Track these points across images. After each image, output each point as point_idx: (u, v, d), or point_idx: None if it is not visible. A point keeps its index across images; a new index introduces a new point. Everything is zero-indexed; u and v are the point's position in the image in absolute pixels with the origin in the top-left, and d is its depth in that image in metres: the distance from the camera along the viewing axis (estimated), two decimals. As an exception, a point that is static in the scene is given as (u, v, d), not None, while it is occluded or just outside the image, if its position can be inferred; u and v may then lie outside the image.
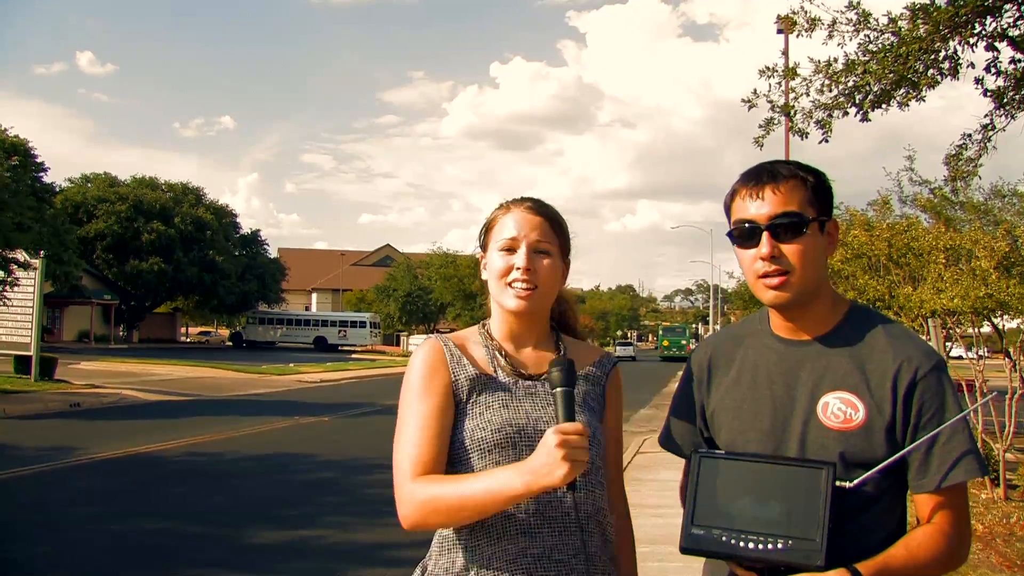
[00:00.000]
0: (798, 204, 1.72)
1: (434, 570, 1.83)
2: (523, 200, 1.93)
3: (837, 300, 1.83)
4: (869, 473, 1.64)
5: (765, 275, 1.73)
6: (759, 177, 1.76)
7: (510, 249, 1.86)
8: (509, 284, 1.85)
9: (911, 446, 1.66)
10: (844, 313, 1.81)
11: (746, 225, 1.75)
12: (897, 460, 1.65)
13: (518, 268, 1.83)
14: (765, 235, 1.71)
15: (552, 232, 1.89)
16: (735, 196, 1.79)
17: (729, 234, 1.81)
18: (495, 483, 1.65)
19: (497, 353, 1.89)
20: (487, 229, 1.94)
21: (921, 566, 1.63)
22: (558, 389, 1.68)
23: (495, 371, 1.87)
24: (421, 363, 1.85)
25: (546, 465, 1.59)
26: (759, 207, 1.73)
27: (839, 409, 1.70)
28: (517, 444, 1.76)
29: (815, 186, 1.75)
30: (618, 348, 67.63)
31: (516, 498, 1.64)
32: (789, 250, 1.71)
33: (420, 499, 1.70)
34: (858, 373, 1.72)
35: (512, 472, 1.65)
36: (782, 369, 1.79)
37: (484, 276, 1.94)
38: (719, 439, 1.87)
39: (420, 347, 1.90)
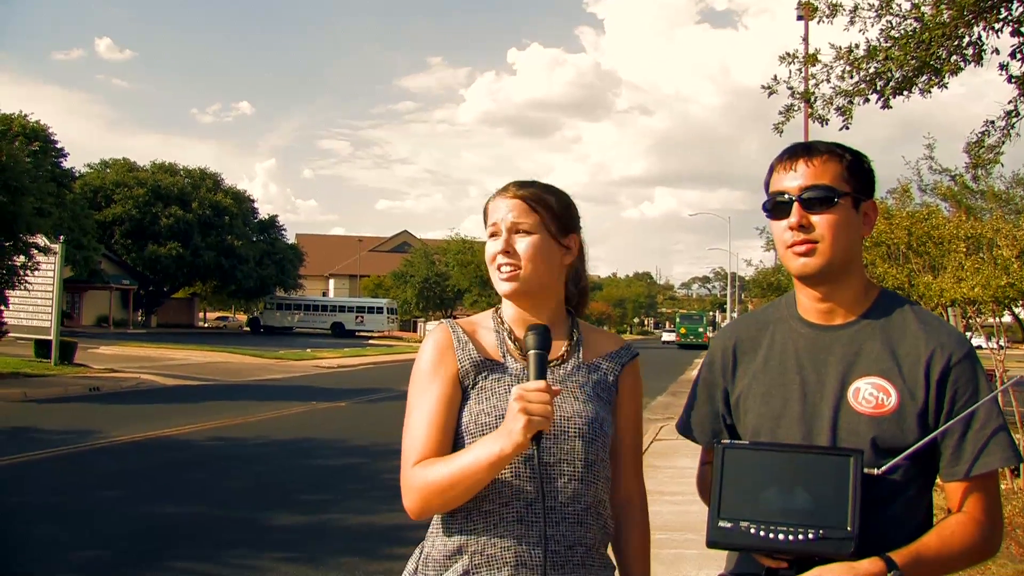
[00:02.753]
0: (830, 178, 1.74)
1: (431, 552, 1.83)
2: (508, 185, 1.92)
3: (869, 285, 1.82)
4: (897, 459, 1.63)
5: (793, 244, 1.74)
6: (795, 152, 1.79)
7: (494, 235, 1.87)
8: (498, 268, 1.85)
9: (940, 430, 1.65)
10: (874, 298, 1.80)
11: (779, 197, 1.77)
12: (926, 445, 1.64)
13: (498, 252, 1.85)
14: (795, 205, 1.73)
15: (531, 210, 1.85)
16: (773, 172, 1.82)
17: (764, 207, 1.82)
18: (479, 451, 1.67)
19: (507, 337, 1.88)
20: (484, 218, 1.94)
21: (955, 555, 1.63)
22: (531, 351, 1.70)
23: (503, 356, 1.86)
24: (430, 351, 1.86)
25: (511, 422, 1.62)
26: (792, 179, 1.75)
27: (871, 394, 1.69)
28: None
29: (851, 164, 1.77)
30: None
31: (499, 461, 1.65)
32: (819, 221, 1.72)
33: (418, 484, 1.72)
34: (890, 358, 1.71)
35: (492, 436, 1.67)
36: (811, 354, 1.78)
37: None
38: (744, 425, 1.85)
39: (430, 333, 1.92)
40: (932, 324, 1.76)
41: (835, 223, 1.72)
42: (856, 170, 1.77)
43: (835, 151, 1.77)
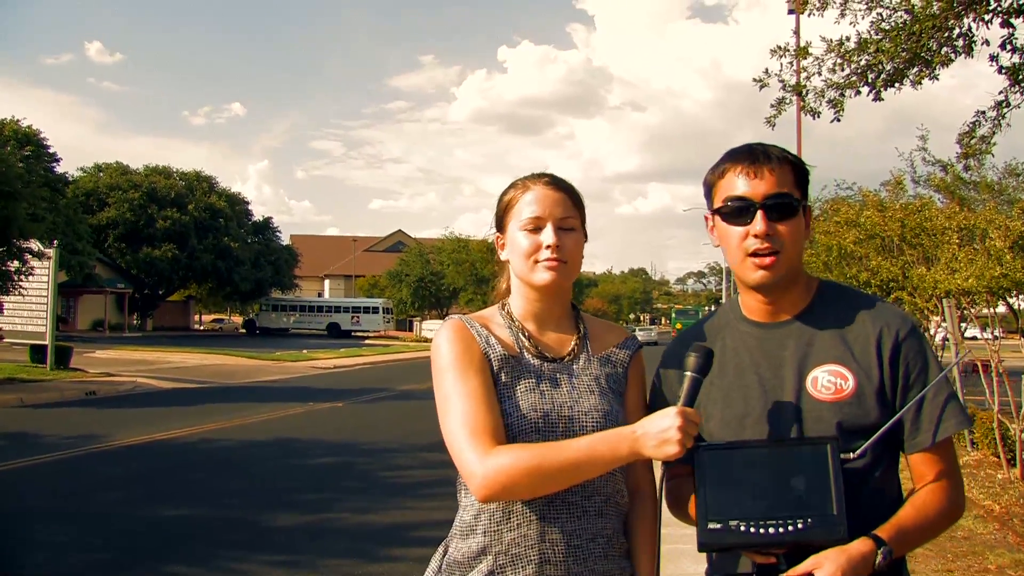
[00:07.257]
0: (790, 186, 1.75)
1: (454, 554, 1.82)
2: (540, 176, 1.90)
3: (809, 279, 1.86)
4: (870, 441, 1.67)
5: (755, 253, 1.74)
6: (753, 156, 1.77)
7: (535, 228, 1.83)
8: (537, 261, 1.82)
9: (905, 408, 1.70)
10: (815, 290, 1.85)
11: (738, 202, 1.75)
12: (894, 424, 1.69)
13: (548, 246, 1.81)
14: (760, 213, 1.73)
15: (574, 206, 1.88)
16: (724, 173, 1.79)
17: (717, 211, 1.81)
18: (600, 445, 1.66)
19: (521, 335, 1.87)
20: (506, 209, 1.90)
21: (931, 521, 1.70)
22: (688, 373, 1.70)
23: (521, 352, 1.85)
24: (453, 340, 1.81)
25: (657, 437, 1.61)
26: (756, 185, 1.74)
27: (829, 381, 1.74)
28: (542, 430, 1.75)
29: (800, 170, 1.80)
30: (640, 332, 69.34)
31: (618, 461, 1.66)
32: (782, 229, 1.74)
33: (509, 465, 1.64)
34: (841, 344, 1.76)
35: (619, 434, 1.66)
36: (765, 352, 1.81)
37: (504, 256, 1.92)
38: (708, 431, 1.82)
39: (444, 326, 1.86)
40: (875, 306, 1.81)
41: (795, 231, 1.75)
42: (803, 176, 1.80)
43: (788, 157, 1.79)
